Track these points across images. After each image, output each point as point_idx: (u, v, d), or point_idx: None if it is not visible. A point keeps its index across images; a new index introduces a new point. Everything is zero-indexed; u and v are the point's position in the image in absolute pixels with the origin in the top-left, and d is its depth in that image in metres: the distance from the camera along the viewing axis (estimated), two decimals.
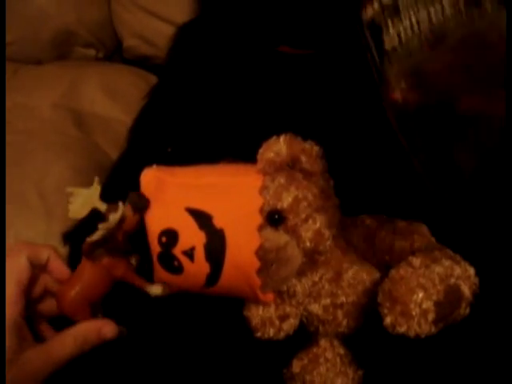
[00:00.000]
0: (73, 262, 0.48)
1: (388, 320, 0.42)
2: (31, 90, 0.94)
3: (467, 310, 0.43)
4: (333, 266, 0.48)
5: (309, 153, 0.46)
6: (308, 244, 0.44)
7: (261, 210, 0.43)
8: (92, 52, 1.08)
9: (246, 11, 0.66)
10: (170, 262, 0.43)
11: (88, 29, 1.04)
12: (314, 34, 0.63)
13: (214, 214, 0.42)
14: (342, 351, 0.48)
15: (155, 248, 0.43)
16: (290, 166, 0.46)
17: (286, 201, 0.44)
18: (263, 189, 0.44)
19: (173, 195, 0.44)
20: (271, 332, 0.47)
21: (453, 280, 0.42)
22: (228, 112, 0.65)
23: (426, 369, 0.47)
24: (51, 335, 0.48)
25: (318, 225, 0.44)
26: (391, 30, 0.40)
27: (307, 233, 0.44)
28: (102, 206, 0.43)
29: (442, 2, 0.39)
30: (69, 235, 0.67)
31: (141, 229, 0.44)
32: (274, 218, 0.44)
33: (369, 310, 0.47)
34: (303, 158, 0.46)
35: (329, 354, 0.48)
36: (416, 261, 0.44)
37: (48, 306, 0.48)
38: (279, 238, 0.44)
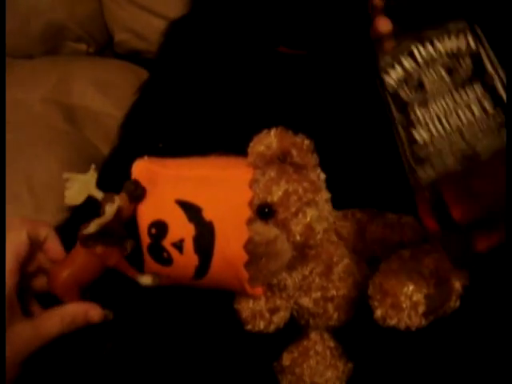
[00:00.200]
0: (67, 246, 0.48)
1: (378, 313, 0.42)
2: (21, 84, 0.93)
3: (457, 303, 0.43)
4: (323, 260, 0.48)
5: (300, 146, 0.46)
6: (298, 238, 0.44)
7: (251, 204, 0.43)
8: (83, 46, 1.07)
9: (237, 8, 0.66)
10: (159, 254, 0.43)
11: (79, 23, 1.03)
12: (307, 35, 0.63)
13: (203, 206, 0.42)
14: (332, 344, 0.48)
15: (145, 239, 0.43)
16: (281, 159, 0.46)
17: (276, 194, 0.44)
18: (253, 182, 0.44)
19: (163, 187, 0.44)
20: (261, 325, 0.47)
21: (443, 273, 0.42)
22: (219, 107, 0.65)
23: (417, 361, 0.47)
24: (38, 311, 0.49)
25: (308, 219, 0.44)
26: (421, 121, 0.39)
27: (297, 227, 0.44)
28: (99, 194, 0.43)
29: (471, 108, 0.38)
30: (62, 228, 0.66)
31: (135, 215, 0.44)
32: (264, 212, 0.44)
33: (359, 303, 0.47)
34: (294, 152, 0.45)
35: (319, 347, 0.48)
36: (406, 254, 0.44)
37: (39, 282, 0.49)
38: (269, 231, 0.43)
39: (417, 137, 0.39)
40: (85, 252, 0.45)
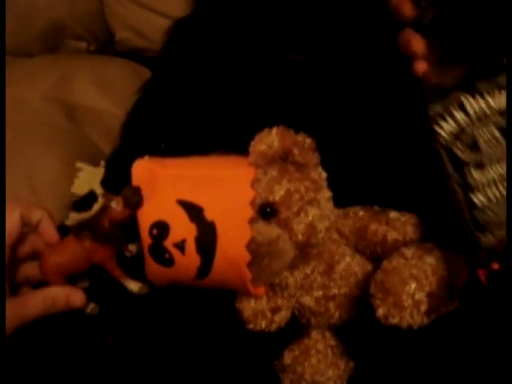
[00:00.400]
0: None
1: (380, 311, 0.42)
2: (22, 82, 0.93)
3: (459, 302, 0.43)
4: (325, 259, 0.48)
5: (301, 145, 0.45)
6: (300, 237, 0.44)
7: (252, 203, 0.43)
8: (83, 45, 1.07)
9: (242, 9, 0.66)
10: (161, 255, 0.43)
11: (79, 21, 1.03)
12: (307, 41, 0.63)
13: (205, 206, 0.42)
14: (333, 343, 0.48)
15: (146, 240, 0.43)
16: (283, 158, 0.45)
17: (278, 194, 0.44)
18: (255, 181, 0.44)
19: (164, 187, 0.43)
20: (263, 324, 0.47)
21: (445, 271, 0.42)
22: (220, 106, 0.65)
23: (419, 360, 0.47)
24: (27, 291, 0.49)
25: (310, 218, 0.44)
26: (478, 186, 0.39)
27: (299, 226, 0.44)
28: (99, 190, 0.44)
29: None
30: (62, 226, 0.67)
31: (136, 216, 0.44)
32: (266, 211, 0.43)
33: (361, 301, 0.47)
34: (295, 151, 0.45)
35: (320, 346, 0.48)
36: (408, 252, 0.44)
37: (36, 268, 0.49)
38: (271, 231, 0.43)
39: (476, 201, 0.39)
40: (74, 243, 0.46)
